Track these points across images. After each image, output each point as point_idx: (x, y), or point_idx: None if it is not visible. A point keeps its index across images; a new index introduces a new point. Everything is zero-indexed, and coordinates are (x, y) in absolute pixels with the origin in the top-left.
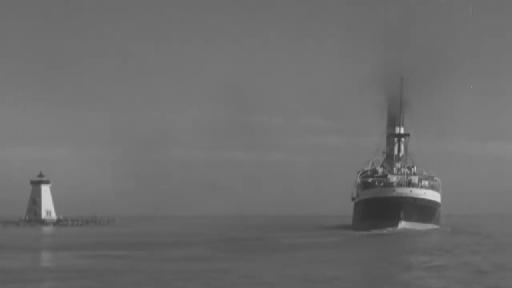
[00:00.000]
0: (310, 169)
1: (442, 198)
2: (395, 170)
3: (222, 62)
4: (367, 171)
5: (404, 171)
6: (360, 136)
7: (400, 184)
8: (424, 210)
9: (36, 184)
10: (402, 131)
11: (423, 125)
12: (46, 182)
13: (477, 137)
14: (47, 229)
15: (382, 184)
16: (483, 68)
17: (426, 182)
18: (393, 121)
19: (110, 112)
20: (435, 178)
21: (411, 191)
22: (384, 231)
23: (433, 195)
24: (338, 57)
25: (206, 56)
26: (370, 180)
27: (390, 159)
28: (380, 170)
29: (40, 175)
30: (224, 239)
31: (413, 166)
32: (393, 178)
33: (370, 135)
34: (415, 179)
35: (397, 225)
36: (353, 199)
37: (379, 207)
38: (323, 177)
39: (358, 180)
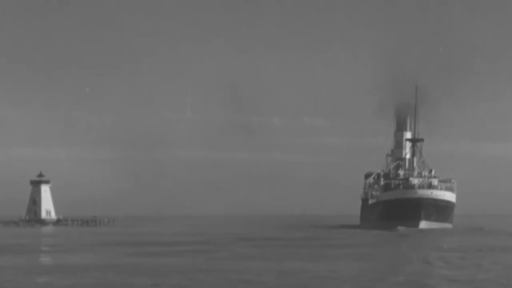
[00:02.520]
0: (310, 169)
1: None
2: (415, 173)
3: (222, 62)
4: (380, 173)
5: (424, 174)
6: (360, 137)
7: (421, 186)
8: (442, 210)
9: (36, 184)
10: (409, 135)
11: (431, 128)
12: (46, 182)
13: (483, 139)
14: (47, 229)
15: (401, 186)
16: (493, 71)
17: (444, 184)
18: (401, 126)
19: (110, 112)
20: (452, 180)
21: (431, 192)
22: (402, 229)
23: (451, 196)
24: (339, 57)
25: (206, 56)
26: (391, 182)
27: (398, 161)
28: (401, 173)
29: (40, 175)
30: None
31: (431, 170)
32: (415, 181)
33: (370, 135)
34: (435, 182)
35: (417, 224)
36: (365, 200)
37: (401, 208)
38: (323, 177)
39: (371, 181)
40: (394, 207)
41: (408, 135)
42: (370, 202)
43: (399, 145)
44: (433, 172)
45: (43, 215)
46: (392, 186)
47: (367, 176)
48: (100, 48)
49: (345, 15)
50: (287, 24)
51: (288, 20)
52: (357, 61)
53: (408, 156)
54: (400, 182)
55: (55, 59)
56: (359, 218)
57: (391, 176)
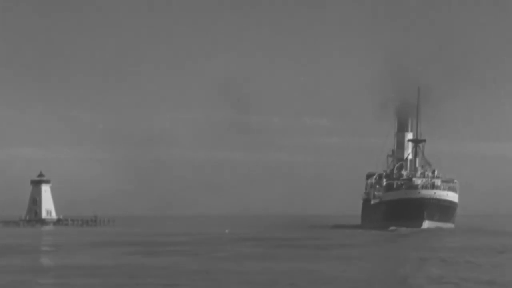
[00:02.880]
0: (310, 169)
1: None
2: (418, 174)
3: (222, 62)
4: (382, 174)
5: (427, 175)
6: (360, 137)
7: (424, 187)
8: (445, 210)
9: (36, 184)
10: (411, 136)
11: (433, 129)
12: (46, 182)
13: (485, 139)
14: (48, 229)
15: (404, 186)
16: (495, 71)
17: (447, 184)
18: (403, 126)
19: (110, 112)
20: (455, 180)
21: (435, 193)
22: (395, 229)
23: (453, 196)
24: (340, 57)
25: (206, 56)
26: (394, 182)
27: (401, 162)
28: (404, 173)
29: (40, 175)
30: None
31: (434, 170)
32: (418, 181)
33: (370, 136)
34: (438, 182)
35: (420, 224)
36: (367, 200)
37: (404, 208)
38: (323, 177)
39: (373, 181)
40: (397, 207)
41: (409, 136)
42: (372, 202)
43: (400, 145)
44: (436, 173)
45: (44, 215)
46: (395, 186)
47: (368, 176)
48: (100, 48)
49: (346, 14)
50: (288, 24)
51: (289, 19)
52: (358, 61)
53: (410, 156)
54: (403, 182)
55: (55, 59)
56: (360, 218)
57: (394, 176)
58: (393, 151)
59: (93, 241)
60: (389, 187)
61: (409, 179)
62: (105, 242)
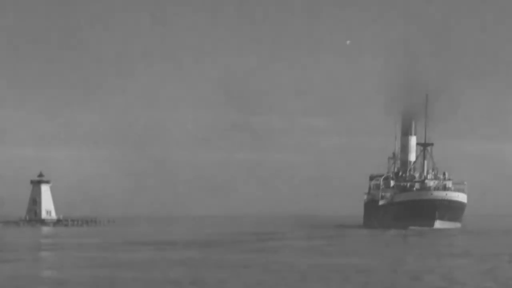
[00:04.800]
0: (309, 169)
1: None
2: (429, 176)
3: (222, 62)
4: (389, 175)
5: (439, 177)
6: (360, 138)
7: (437, 188)
8: (455, 211)
9: (36, 184)
10: (415, 140)
11: (438, 131)
12: (46, 182)
13: (490, 139)
14: (47, 230)
15: (416, 188)
16: (499, 71)
17: (457, 186)
18: (407, 130)
19: (110, 112)
20: (464, 182)
21: (446, 194)
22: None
23: (463, 197)
24: (342, 57)
25: (206, 56)
26: (406, 184)
27: (404, 165)
28: (417, 175)
29: (40, 175)
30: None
31: (444, 173)
32: (431, 183)
33: (370, 137)
34: (449, 184)
35: (433, 224)
36: (372, 201)
37: (416, 208)
38: (323, 177)
39: (381, 182)
40: (410, 207)
41: (413, 139)
42: (380, 203)
43: (404, 148)
44: (446, 175)
45: (44, 215)
46: (408, 187)
47: (372, 178)
48: (100, 48)
49: (348, 13)
50: (288, 23)
51: (289, 18)
52: (360, 61)
53: (416, 159)
54: (416, 184)
55: (54, 59)
56: (363, 218)
57: (407, 178)
58: (394, 154)
59: (96, 243)
60: (401, 189)
61: (422, 181)
62: (106, 243)
